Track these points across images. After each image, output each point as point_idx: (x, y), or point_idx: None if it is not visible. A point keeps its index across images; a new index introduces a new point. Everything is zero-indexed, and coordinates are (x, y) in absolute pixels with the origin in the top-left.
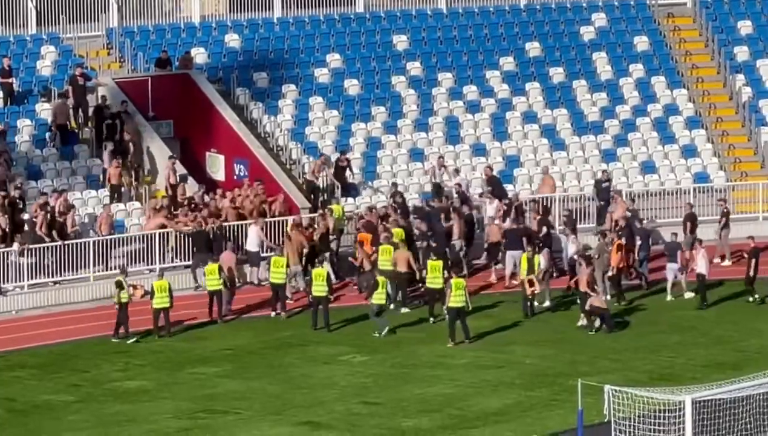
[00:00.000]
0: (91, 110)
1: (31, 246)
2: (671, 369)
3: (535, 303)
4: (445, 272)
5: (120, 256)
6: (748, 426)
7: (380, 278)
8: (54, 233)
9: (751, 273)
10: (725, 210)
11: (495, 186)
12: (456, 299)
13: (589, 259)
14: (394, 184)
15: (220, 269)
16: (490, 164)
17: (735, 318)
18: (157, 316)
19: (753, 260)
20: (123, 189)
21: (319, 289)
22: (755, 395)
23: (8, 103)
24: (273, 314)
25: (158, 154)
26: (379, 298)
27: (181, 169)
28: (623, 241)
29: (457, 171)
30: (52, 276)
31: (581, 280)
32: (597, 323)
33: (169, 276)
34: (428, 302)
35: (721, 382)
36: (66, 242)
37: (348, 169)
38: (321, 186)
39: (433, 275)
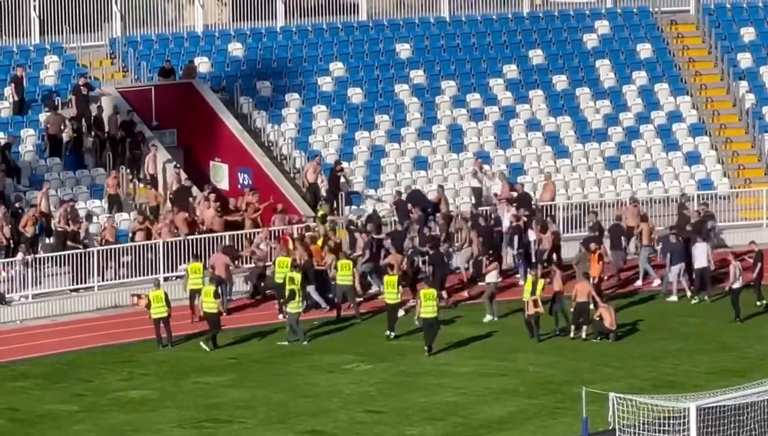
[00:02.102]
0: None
1: (35, 256)
2: (675, 376)
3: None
4: (400, 287)
5: (121, 265)
6: (753, 433)
7: (296, 287)
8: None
9: (754, 275)
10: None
11: (521, 201)
12: (426, 309)
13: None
14: (398, 193)
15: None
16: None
17: (739, 325)
18: (158, 326)
19: (759, 264)
20: (122, 198)
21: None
22: (760, 401)
23: (19, 111)
24: (281, 317)
25: (162, 163)
26: (295, 307)
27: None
28: (603, 250)
29: (491, 174)
30: (57, 286)
31: (580, 290)
32: (584, 333)
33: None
34: (389, 317)
35: (726, 389)
36: (71, 252)
37: (343, 177)
38: (322, 190)
39: (389, 290)
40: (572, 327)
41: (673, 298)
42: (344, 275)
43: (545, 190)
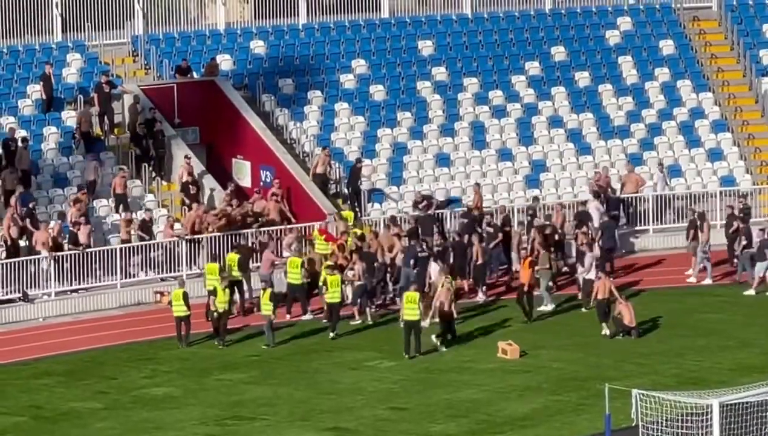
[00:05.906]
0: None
1: (58, 254)
2: (698, 373)
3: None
4: (343, 285)
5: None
6: None
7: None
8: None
9: None
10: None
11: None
12: (408, 312)
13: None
14: (420, 194)
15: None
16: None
17: (761, 321)
18: (179, 324)
19: None
20: (129, 199)
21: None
22: None
23: (48, 109)
24: (288, 317)
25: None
26: (266, 308)
27: (199, 168)
28: (533, 257)
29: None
30: (79, 283)
31: (601, 288)
32: (607, 331)
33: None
34: (327, 317)
35: (749, 385)
36: (93, 249)
37: (363, 174)
38: (332, 179)
39: (333, 289)
40: (603, 325)
41: (751, 292)
42: (293, 272)
43: (629, 181)
